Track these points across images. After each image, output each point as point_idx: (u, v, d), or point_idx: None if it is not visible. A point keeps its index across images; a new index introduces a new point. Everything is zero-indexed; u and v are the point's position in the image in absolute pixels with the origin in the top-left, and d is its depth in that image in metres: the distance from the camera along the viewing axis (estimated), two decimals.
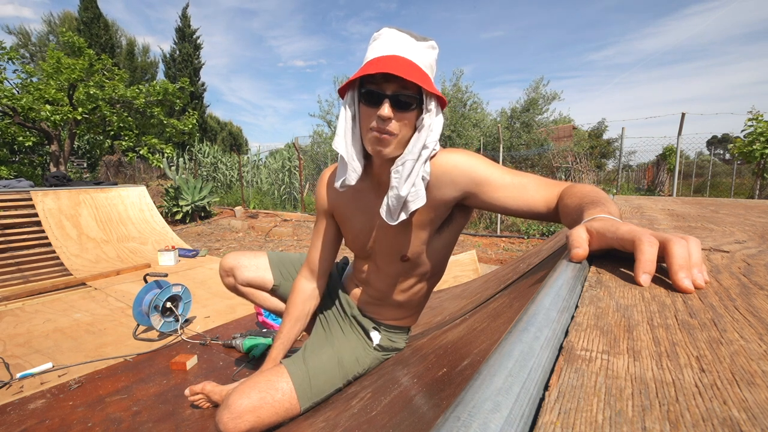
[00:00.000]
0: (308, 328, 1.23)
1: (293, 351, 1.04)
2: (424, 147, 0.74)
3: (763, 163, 6.51)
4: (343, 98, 0.78)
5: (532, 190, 0.75)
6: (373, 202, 0.88)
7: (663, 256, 0.43)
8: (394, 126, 0.72)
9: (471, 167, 0.76)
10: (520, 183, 0.75)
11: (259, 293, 1.20)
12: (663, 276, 0.45)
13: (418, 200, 0.76)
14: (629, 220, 1.11)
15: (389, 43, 0.73)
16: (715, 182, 11.59)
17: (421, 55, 0.73)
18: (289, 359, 0.97)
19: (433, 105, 0.73)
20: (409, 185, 0.75)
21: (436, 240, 0.88)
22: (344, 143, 0.79)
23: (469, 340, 0.74)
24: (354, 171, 0.80)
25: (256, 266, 1.18)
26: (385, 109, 0.70)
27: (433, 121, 0.74)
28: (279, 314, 1.22)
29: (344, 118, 0.77)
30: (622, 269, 0.48)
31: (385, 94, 0.71)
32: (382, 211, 0.80)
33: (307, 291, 1.05)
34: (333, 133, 10.90)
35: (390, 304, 0.99)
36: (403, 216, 0.78)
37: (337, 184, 0.83)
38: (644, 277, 0.41)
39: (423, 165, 0.76)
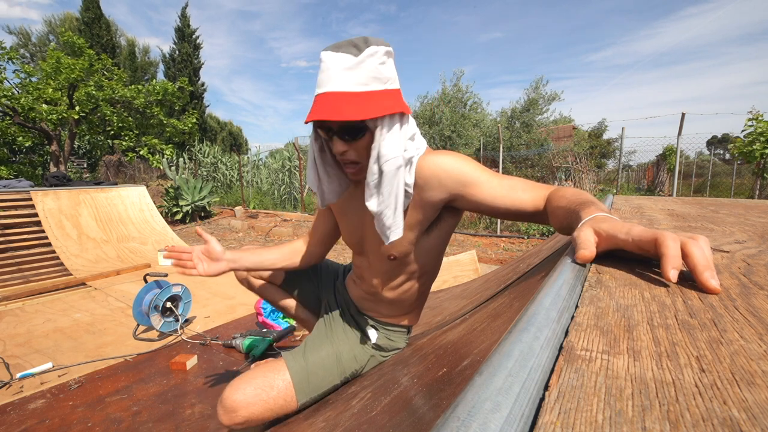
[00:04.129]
0: (309, 325, 1.24)
1: (293, 347, 1.04)
2: (379, 168, 0.73)
3: (763, 163, 6.51)
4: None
5: (519, 191, 0.75)
6: (363, 203, 0.89)
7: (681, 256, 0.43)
8: (352, 155, 0.76)
9: (458, 169, 0.76)
10: (508, 184, 0.76)
11: (269, 287, 1.23)
12: (661, 276, 0.45)
13: (395, 232, 0.77)
14: (629, 220, 1.11)
15: (324, 76, 0.71)
16: (715, 182, 11.59)
17: (358, 75, 0.70)
18: (288, 353, 0.98)
19: (385, 123, 0.72)
20: (372, 204, 0.75)
21: (424, 240, 0.88)
22: (315, 178, 0.84)
23: (469, 340, 0.74)
24: (333, 193, 0.86)
25: None
26: (337, 146, 0.74)
27: (384, 139, 0.72)
28: (284, 309, 1.24)
29: (313, 150, 0.82)
30: (622, 269, 0.48)
31: (334, 130, 0.74)
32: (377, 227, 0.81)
33: (300, 247, 1.10)
34: None
35: (382, 300, 1.00)
36: (391, 237, 0.78)
37: (321, 204, 0.88)
38: (673, 272, 0.41)
39: (398, 174, 0.74)
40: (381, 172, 0.73)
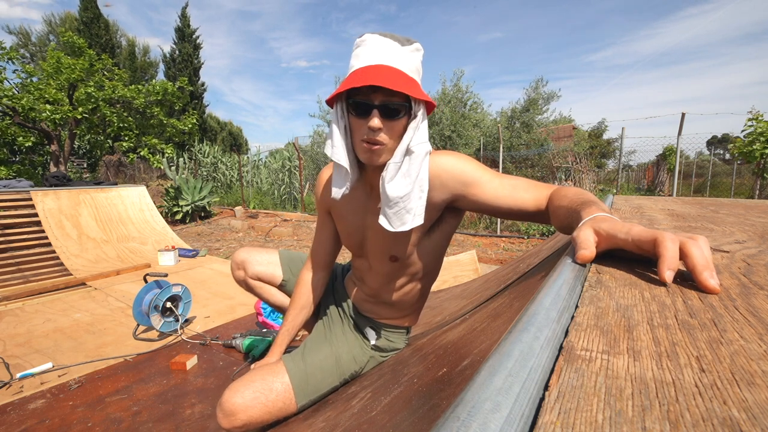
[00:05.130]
0: (309, 327, 1.24)
1: (292, 349, 1.04)
2: (408, 150, 0.73)
3: (763, 163, 6.51)
4: (332, 108, 0.78)
5: (521, 191, 0.75)
6: (364, 203, 0.89)
7: (680, 257, 0.43)
8: (383, 137, 0.72)
9: (461, 169, 0.76)
10: (509, 184, 0.75)
11: (267, 287, 1.22)
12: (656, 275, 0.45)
13: (417, 218, 0.75)
14: (629, 220, 1.11)
15: (373, 51, 0.72)
16: (715, 182, 11.59)
17: (406, 60, 0.72)
18: (288, 356, 0.98)
19: (420, 111, 0.73)
20: (396, 187, 0.74)
21: (426, 241, 0.88)
22: (344, 154, 0.77)
23: (469, 340, 0.74)
24: (349, 182, 0.81)
25: (267, 261, 1.21)
26: (375, 120, 0.69)
27: (418, 125, 0.74)
28: (283, 310, 1.24)
29: (337, 129, 0.77)
30: (622, 269, 0.48)
31: (374, 104, 0.70)
32: (381, 220, 0.78)
33: (311, 281, 1.09)
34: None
35: (384, 302, 1.00)
36: (404, 227, 0.76)
37: (337, 195, 0.82)
38: (669, 273, 0.41)
39: (414, 164, 0.74)
40: (411, 155, 0.73)
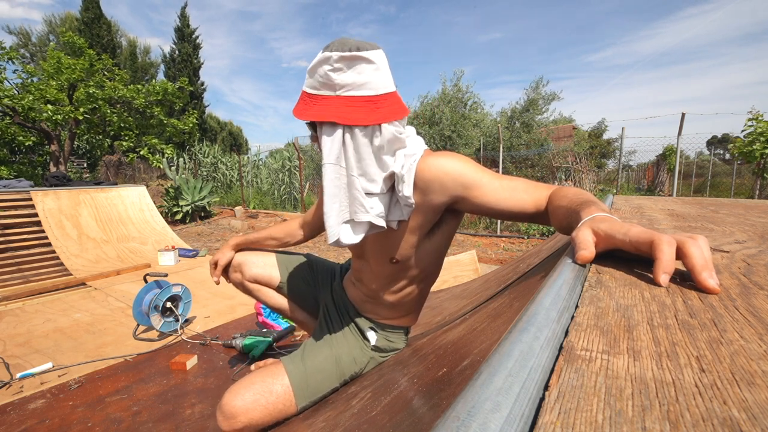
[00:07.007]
0: (308, 327, 1.24)
1: (292, 349, 1.04)
2: (322, 163, 0.76)
3: (763, 163, 6.51)
4: None
5: (521, 192, 0.74)
6: None
7: (679, 256, 0.43)
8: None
9: (460, 171, 0.75)
10: (509, 185, 0.75)
11: (264, 290, 1.21)
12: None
13: (332, 235, 0.77)
14: (629, 220, 1.11)
15: None
16: (715, 182, 11.59)
17: (311, 78, 0.73)
18: (287, 357, 0.98)
19: (324, 129, 0.73)
20: (327, 195, 0.76)
21: (426, 243, 0.88)
22: None
23: (469, 340, 0.74)
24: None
25: (263, 263, 1.20)
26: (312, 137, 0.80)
27: (323, 143, 0.73)
28: (282, 312, 1.23)
29: None
30: (622, 269, 0.48)
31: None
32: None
33: (294, 228, 1.21)
34: None
35: (382, 303, 1.00)
36: (330, 238, 0.77)
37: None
38: (664, 276, 0.41)
39: (336, 181, 0.75)
40: (323, 172, 0.75)
